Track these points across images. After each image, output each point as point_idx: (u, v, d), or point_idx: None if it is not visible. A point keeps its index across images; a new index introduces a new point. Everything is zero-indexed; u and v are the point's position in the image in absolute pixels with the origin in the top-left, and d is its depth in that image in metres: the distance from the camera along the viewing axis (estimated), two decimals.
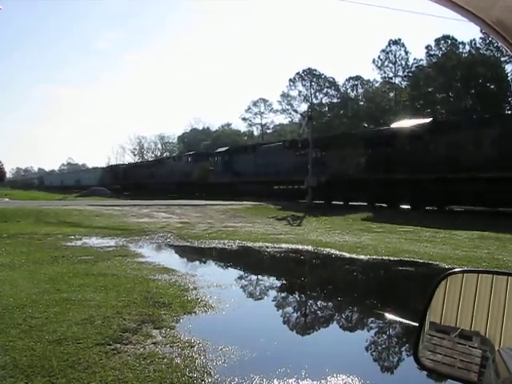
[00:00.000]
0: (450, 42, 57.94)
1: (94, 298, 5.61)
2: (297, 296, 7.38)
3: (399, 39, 62.92)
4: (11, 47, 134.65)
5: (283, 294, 7.39)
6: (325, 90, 71.67)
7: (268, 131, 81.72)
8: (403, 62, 62.69)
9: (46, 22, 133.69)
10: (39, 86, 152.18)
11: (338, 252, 9.97)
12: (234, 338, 4.45)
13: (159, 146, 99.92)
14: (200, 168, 37.56)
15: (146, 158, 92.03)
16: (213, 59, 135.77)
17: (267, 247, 10.74)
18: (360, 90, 70.27)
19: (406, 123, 22.50)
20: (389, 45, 62.96)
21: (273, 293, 7.41)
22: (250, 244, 11.28)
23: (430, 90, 56.84)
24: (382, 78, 65.43)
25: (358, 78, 69.69)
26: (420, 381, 3.69)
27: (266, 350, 4.26)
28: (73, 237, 12.11)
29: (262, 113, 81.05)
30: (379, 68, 64.00)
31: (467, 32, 56.71)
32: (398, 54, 62.81)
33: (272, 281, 8.39)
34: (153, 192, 42.40)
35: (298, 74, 72.39)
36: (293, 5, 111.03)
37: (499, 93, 52.20)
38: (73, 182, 71.08)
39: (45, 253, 9.20)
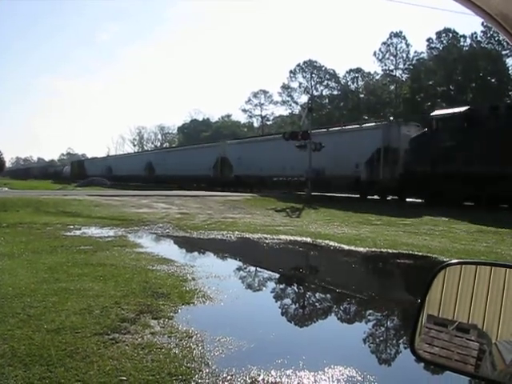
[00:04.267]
0: (451, 35, 57.78)
1: (92, 288, 5.61)
2: (295, 287, 7.39)
3: (400, 32, 62.72)
4: (12, 38, 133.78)
5: (281, 286, 7.42)
6: (325, 81, 71.56)
7: (268, 123, 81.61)
8: (404, 55, 62.57)
9: (47, 13, 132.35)
10: (39, 77, 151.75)
11: (336, 244, 9.97)
12: (232, 329, 4.46)
13: (159, 136, 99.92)
14: None
15: (145, 148, 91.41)
16: (213, 50, 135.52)
17: (266, 239, 10.75)
18: (360, 83, 70.12)
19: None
20: (390, 37, 62.79)
21: (271, 284, 7.44)
22: (248, 235, 11.29)
23: (430, 83, 56.70)
24: (382, 70, 65.31)
25: (358, 70, 69.52)
26: (417, 372, 3.72)
27: (264, 341, 4.28)
28: (72, 227, 12.11)
29: (262, 104, 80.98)
30: (380, 60, 63.88)
31: (468, 25, 56.71)
32: (398, 46, 62.64)
33: (270, 272, 8.41)
34: None
35: (298, 65, 72.33)
36: None
37: (500, 86, 52.09)
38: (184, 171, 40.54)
39: (44, 242, 9.20)
